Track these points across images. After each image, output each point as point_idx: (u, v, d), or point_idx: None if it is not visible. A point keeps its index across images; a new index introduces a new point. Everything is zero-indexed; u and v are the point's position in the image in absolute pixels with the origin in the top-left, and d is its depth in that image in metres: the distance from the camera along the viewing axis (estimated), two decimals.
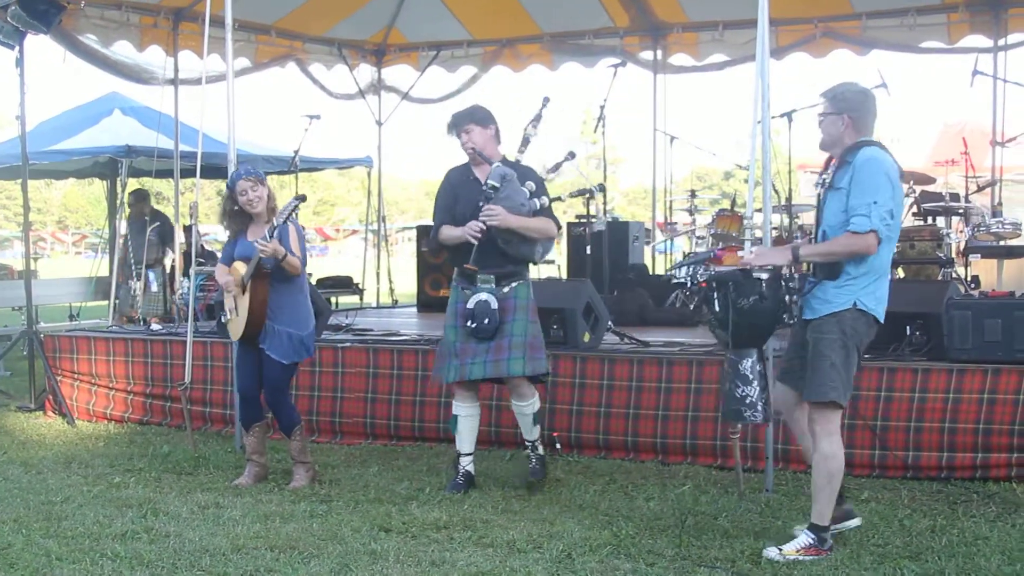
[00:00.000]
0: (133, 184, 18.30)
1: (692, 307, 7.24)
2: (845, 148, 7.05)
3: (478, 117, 8.81)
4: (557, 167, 9.53)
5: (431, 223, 9.24)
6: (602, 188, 11.96)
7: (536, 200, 8.67)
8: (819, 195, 7.27)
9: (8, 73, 12.10)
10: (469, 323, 8.60)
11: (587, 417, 10.11)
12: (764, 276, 6.99)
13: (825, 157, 7.34)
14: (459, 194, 8.85)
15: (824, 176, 7.21)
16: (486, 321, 8.57)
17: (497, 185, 8.51)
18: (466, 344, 8.70)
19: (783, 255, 7.05)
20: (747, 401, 7.07)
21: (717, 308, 7.07)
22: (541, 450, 9.00)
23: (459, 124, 8.79)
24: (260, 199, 8.95)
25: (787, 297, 7.06)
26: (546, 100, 9.13)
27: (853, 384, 7.10)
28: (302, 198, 8.95)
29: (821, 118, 7.21)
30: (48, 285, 17.20)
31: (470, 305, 8.63)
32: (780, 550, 6.91)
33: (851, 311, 6.93)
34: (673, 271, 7.63)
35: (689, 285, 7.74)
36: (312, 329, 9.21)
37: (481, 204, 8.53)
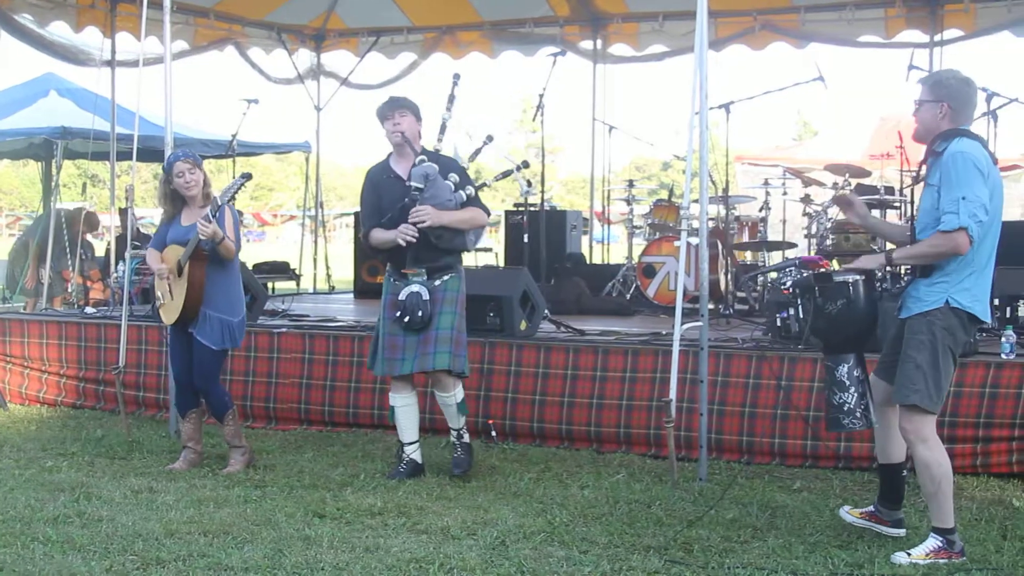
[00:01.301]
0: (68, 166, 18.17)
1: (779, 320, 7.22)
2: (935, 137, 6.83)
3: (414, 108, 8.81)
4: (477, 152, 9.55)
5: (360, 219, 9.23)
6: (526, 164, 11.97)
7: (462, 192, 8.66)
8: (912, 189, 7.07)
9: None
10: (401, 315, 8.60)
11: (522, 405, 10.13)
12: (851, 279, 6.89)
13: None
14: (382, 193, 8.83)
15: (918, 171, 7.05)
16: (419, 314, 8.57)
17: (420, 186, 8.49)
18: (394, 337, 8.71)
19: (876, 260, 6.97)
20: (845, 408, 6.95)
21: (802, 315, 6.99)
22: (467, 438, 9.01)
23: (394, 107, 8.75)
24: (196, 183, 8.91)
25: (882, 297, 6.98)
26: (456, 77, 9.13)
27: (946, 388, 6.81)
28: (247, 176, 8.94)
29: (917, 105, 6.95)
30: None
31: (401, 297, 8.63)
32: (909, 554, 6.73)
33: (942, 309, 6.70)
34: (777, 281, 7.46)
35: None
36: (243, 316, 9.18)
37: (407, 203, 8.52)
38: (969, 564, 6.68)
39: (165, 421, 10.75)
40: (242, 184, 8.78)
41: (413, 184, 8.51)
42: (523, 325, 10.52)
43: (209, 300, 8.89)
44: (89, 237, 17.20)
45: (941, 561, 6.67)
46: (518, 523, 7.53)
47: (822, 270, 7.04)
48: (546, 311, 11.02)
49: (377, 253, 9.11)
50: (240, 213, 9.18)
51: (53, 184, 18.08)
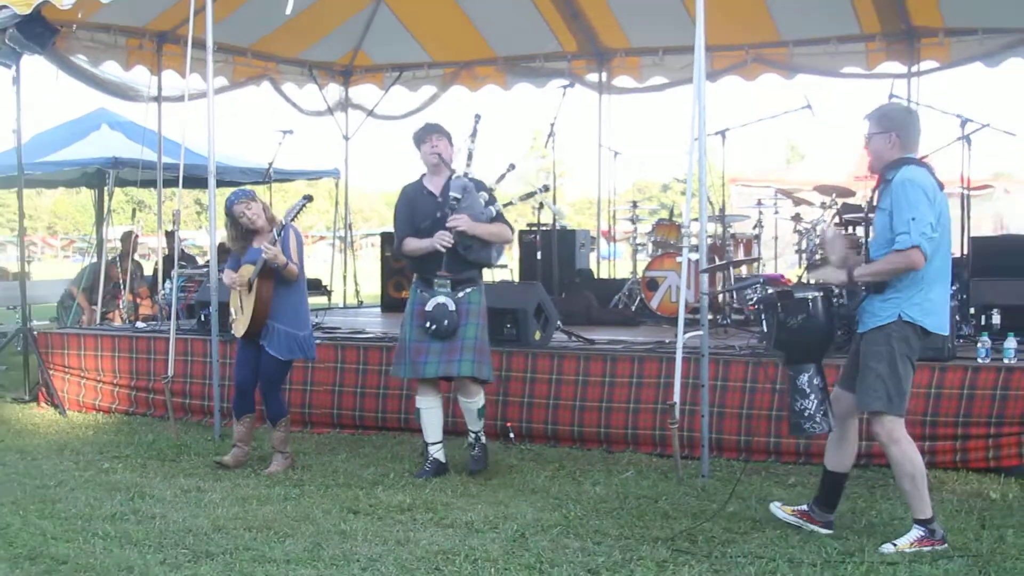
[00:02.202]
0: (119, 193, 18.21)
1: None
2: (885, 165, 6.90)
3: (447, 133, 8.91)
4: (502, 178, 9.58)
5: (393, 230, 9.26)
6: (546, 188, 11.97)
7: (491, 208, 8.73)
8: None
9: (5, 90, 12.04)
10: (428, 324, 8.64)
11: (537, 409, 10.14)
12: (811, 295, 6.93)
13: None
14: (416, 207, 8.88)
15: (871, 198, 7.09)
16: (445, 323, 8.61)
17: (459, 196, 8.57)
18: (420, 343, 8.75)
19: (839, 276, 6.94)
20: (806, 414, 6.96)
21: (766, 328, 7.05)
22: (484, 440, 9.04)
23: (432, 131, 8.87)
24: (258, 214, 9.00)
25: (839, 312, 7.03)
26: (478, 117, 9.16)
27: (907, 391, 6.86)
28: (309, 198, 8.98)
29: (868, 139, 6.99)
30: (40, 286, 17.07)
31: (428, 308, 8.66)
32: (895, 544, 6.76)
33: (896, 323, 6.76)
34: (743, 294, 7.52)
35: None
36: (310, 330, 9.24)
37: (447, 212, 8.59)
38: (951, 551, 6.68)
39: (210, 426, 10.77)
40: (304, 205, 8.85)
41: (452, 194, 8.60)
42: (537, 335, 10.53)
43: (276, 314, 8.95)
44: (137, 257, 17.24)
45: (925, 549, 6.69)
46: (536, 517, 7.55)
47: (784, 287, 7.11)
48: (558, 322, 11.02)
49: (408, 260, 9.14)
50: (303, 236, 9.23)
51: (105, 210, 18.14)
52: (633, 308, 14.08)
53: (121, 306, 15.39)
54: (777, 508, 7.36)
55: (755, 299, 7.12)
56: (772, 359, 9.41)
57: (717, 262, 13.34)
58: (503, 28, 16.55)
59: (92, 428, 11.20)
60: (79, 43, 13.91)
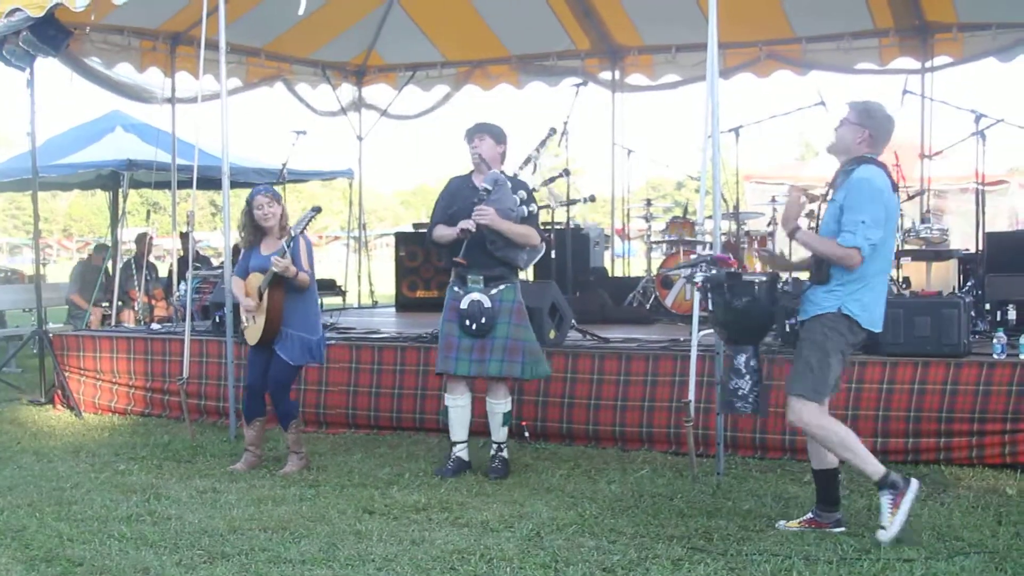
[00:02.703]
0: (133, 195, 18.25)
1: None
2: (848, 159, 7.00)
3: (495, 132, 8.90)
4: (551, 180, 9.56)
5: (408, 230, 9.29)
6: (567, 172, 11.89)
7: (524, 207, 8.73)
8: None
9: (19, 93, 12.11)
10: (467, 322, 8.66)
11: (552, 407, 10.14)
12: (757, 280, 7.05)
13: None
14: (456, 199, 8.91)
15: (828, 189, 7.18)
16: (483, 320, 8.64)
17: (490, 188, 8.59)
18: (450, 337, 8.79)
19: (788, 225, 7.06)
20: (739, 393, 7.08)
21: (711, 307, 7.11)
22: (506, 453, 9.01)
23: (477, 131, 8.88)
24: (273, 215, 9.01)
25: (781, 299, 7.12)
26: (552, 131, 9.19)
27: (832, 382, 6.98)
28: (317, 209, 9.01)
29: (840, 123, 7.08)
30: (56, 288, 17.10)
31: (464, 305, 8.69)
32: (884, 527, 6.78)
33: (834, 315, 6.86)
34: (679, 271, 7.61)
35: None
36: (321, 335, 9.25)
37: (475, 201, 8.60)
38: (967, 548, 6.67)
39: (225, 427, 10.79)
40: (312, 217, 8.87)
41: (484, 185, 8.62)
42: (552, 334, 10.52)
43: (288, 320, 8.96)
44: (152, 259, 17.28)
45: (904, 507, 6.73)
46: (551, 516, 7.54)
47: (732, 269, 7.19)
48: (573, 321, 11.02)
49: (437, 248, 9.15)
50: (312, 244, 9.25)
51: (120, 212, 18.18)
52: (647, 306, 14.06)
53: (135, 308, 15.43)
54: (784, 525, 7.26)
55: (703, 278, 7.17)
56: (787, 357, 9.41)
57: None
58: (516, 27, 16.56)
59: (108, 430, 11.22)
60: (92, 45, 13.96)
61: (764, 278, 7.11)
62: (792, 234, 7.02)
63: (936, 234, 13.24)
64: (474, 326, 8.66)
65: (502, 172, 8.85)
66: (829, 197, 7.08)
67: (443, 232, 8.84)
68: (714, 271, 7.19)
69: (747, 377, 7.09)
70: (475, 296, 8.70)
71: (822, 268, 6.92)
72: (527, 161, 9.04)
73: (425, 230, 9.36)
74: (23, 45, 11.69)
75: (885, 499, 6.81)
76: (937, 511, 7.52)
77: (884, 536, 6.74)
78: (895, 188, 7.02)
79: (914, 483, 6.83)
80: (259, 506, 7.91)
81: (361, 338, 11.63)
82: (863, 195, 6.78)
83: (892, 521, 6.73)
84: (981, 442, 8.82)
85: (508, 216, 8.65)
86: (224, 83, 10.94)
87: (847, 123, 7.04)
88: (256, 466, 9.21)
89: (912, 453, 8.96)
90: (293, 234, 8.76)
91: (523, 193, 8.80)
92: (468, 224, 8.58)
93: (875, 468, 6.87)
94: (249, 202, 9.09)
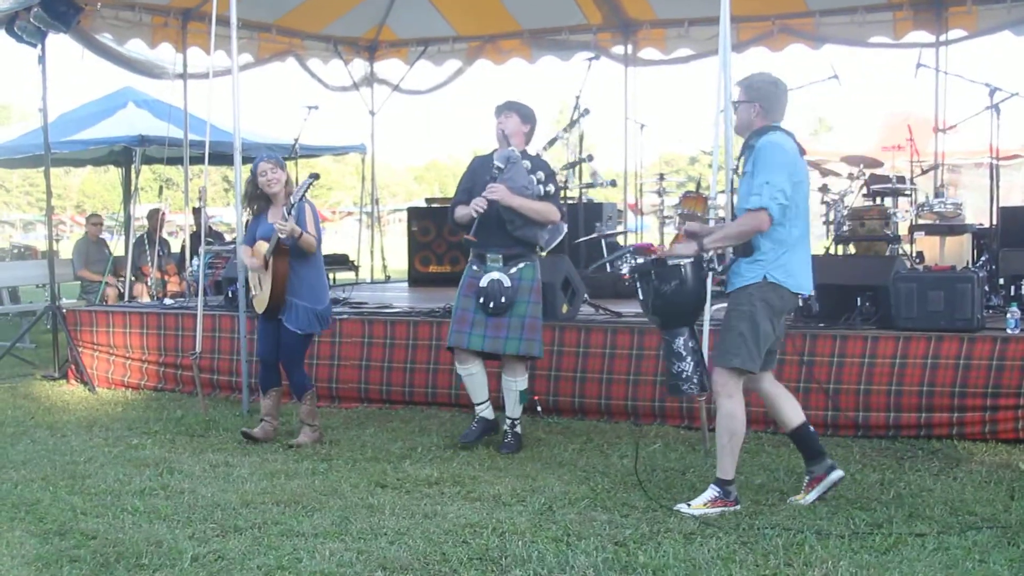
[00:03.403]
0: (146, 171, 18.26)
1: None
2: (751, 133, 7.11)
3: (523, 111, 8.87)
4: (572, 165, 9.50)
5: (421, 205, 9.29)
6: (590, 157, 11.84)
7: (542, 187, 8.70)
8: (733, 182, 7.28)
9: (31, 69, 12.09)
10: (484, 301, 8.66)
11: (565, 382, 10.14)
12: (684, 262, 7.02)
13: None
14: (477, 178, 8.88)
15: (737, 164, 7.28)
16: (502, 299, 8.64)
17: (501, 166, 8.58)
18: (465, 312, 8.78)
19: (689, 248, 7.06)
20: (684, 375, 7.12)
21: (642, 296, 7.11)
22: (519, 429, 9.01)
23: (506, 108, 8.87)
24: (277, 181, 9.03)
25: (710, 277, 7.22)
26: (585, 111, 9.16)
27: (763, 350, 7.06)
28: (315, 176, 9.04)
29: (736, 105, 7.23)
30: (69, 264, 17.12)
31: (483, 284, 8.68)
32: (689, 505, 6.95)
33: (761, 284, 6.96)
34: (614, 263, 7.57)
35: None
36: (328, 304, 9.26)
37: (487, 180, 8.60)
38: (980, 522, 6.67)
39: (238, 402, 10.82)
40: (310, 184, 8.86)
41: (496, 163, 8.61)
42: (565, 308, 10.52)
43: (294, 290, 8.98)
44: (165, 235, 17.29)
45: (716, 510, 6.90)
46: (563, 490, 7.55)
47: (654, 256, 7.19)
48: (586, 295, 11.01)
49: (460, 228, 9.10)
50: (316, 210, 9.26)
51: (132, 188, 18.20)
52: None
53: (148, 283, 15.46)
54: (796, 500, 7.27)
55: (627, 270, 7.18)
56: (799, 331, 9.41)
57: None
58: (528, 1, 16.52)
59: (121, 404, 11.25)
60: (104, 21, 13.97)
61: (690, 259, 7.06)
62: (702, 248, 7.01)
63: (950, 208, 13.22)
64: (492, 304, 8.65)
65: (524, 151, 8.83)
66: (739, 173, 7.21)
67: (462, 212, 8.84)
68: (640, 260, 7.21)
69: (688, 359, 7.12)
70: (495, 275, 8.69)
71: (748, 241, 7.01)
72: (551, 142, 9.01)
73: (437, 205, 9.35)
74: (34, 21, 11.70)
75: (713, 491, 7.03)
76: (950, 486, 7.51)
77: (683, 509, 6.94)
78: (802, 152, 7.16)
79: (738, 506, 7.02)
80: (272, 480, 7.92)
81: (374, 312, 11.64)
82: (766, 158, 6.90)
83: (696, 510, 6.91)
84: (994, 417, 8.81)
85: (522, 193, 8.63)
86: (236, 58, 10.93)
87: (740, 103, 7.17)
88: (271, 436, 9.24)
89: (925, 428, 8.94)
90: (293, 201, 8.75)
91: (541, 173, 8.75)
92: (479, 202, 8.58)
93: (732, 469, 7.08)
94: (253, 171, 9.10)
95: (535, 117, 8.95)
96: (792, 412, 7.34)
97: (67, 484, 7.88)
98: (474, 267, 8.85)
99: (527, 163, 8.73)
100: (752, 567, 5.93)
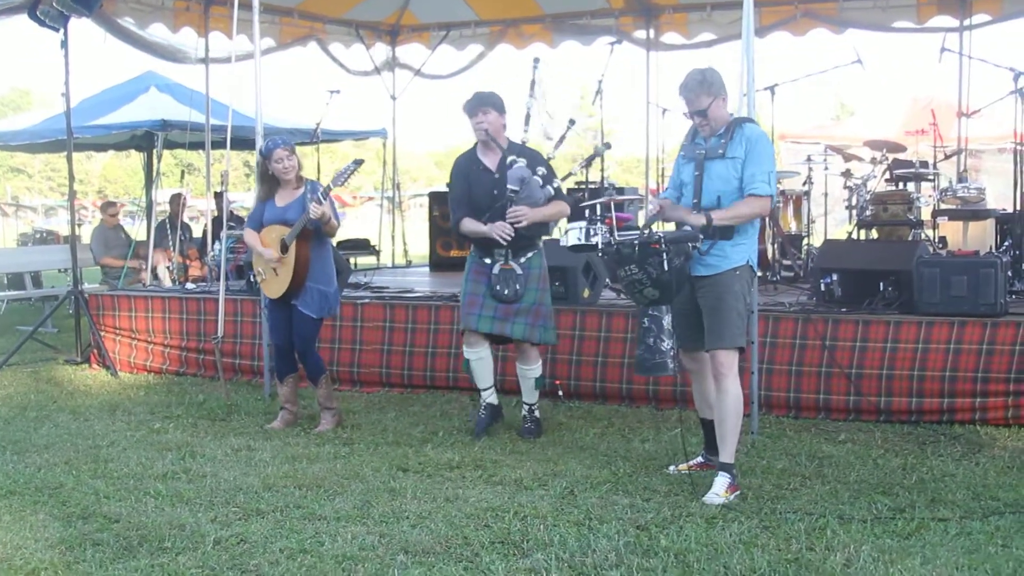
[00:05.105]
0: (167, 156, 18.30)
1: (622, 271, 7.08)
2: (728, 122, 7.20)
3: (496, 103, 8.72)
4: (562, 139, 9.36)
5: (442, 190, 9.22)
6: (608, 145, 11.80)
7: (549, 187, 8.65)
8: (697, 162, 7.21)
9: (53, 54, 12.10)
10: (499, 288, 8.63)
11: (586, 366, 10.15)
12: (688, 237, 7.03)
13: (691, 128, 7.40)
14: (471, 183, 8.76)
15: (700, 148, 7.25)
16: (516, 287, 8.61)
17: (517, 188, 8.53)
18: (475, 296, 8.74)
19: (698, 219, 7.05)
20: (672, 354, 7.11)
21: (665, 267, 6.94)
22: (537, 414, 9.01)
23: (479, 104, 8.67)
24: (293, 168, 9.03)
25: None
26: (536, 61, 9.05)
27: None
28: (360, 161, 8.92)
29: (707, 110, 7.16)
30: (89, 250, 17.16)
31: (495, 271, 8.65)
32: (717, 494, 6.92)
33: (745, 267, 7.13)
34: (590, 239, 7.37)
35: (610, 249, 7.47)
36: (336, 287, 9.25)
37: (507, 195, 8.53)
38: (1003, 508, 6.65)
39: (260, 386, 10.85)
40: (354, 169, 8.76)
41: (510, 187, 8.53)
42: (586, 293, 10.52)
43: (309, 273, 8.97)
44: (187, 219, 17.33)
45: (734, 496, 6.94)
46: (585, 474, 7.56)
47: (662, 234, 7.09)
48: (607, 280, 11.00)
49: (466, 239, 9.06)
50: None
51: (154, 173, 18.24)
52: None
53: (170, 267, 15.51)
54: (674, 470, 7.60)
55: (657, 238, 7.05)
56: (821, 315, 9.39)
57: (767, 220, 13.23)
58: None
59: (143, 389, 11.29)
60: (126, 5, 13.97)
61: (693, 237, 7.06)
62: (710, 221, 7.00)
63: (973, 193, 13.16)
64: (506, 291, 8.62)
65: (512, 144, 8.76)
66: (711, 154, 7.18)
67: (473, 228, 8.67)
68: (638, 233, 7.14)
69: (673, 337, 7.13)
70: (507, 265, 8.66)
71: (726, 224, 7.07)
72: (527, 119, 8.90)
73: (442, 201, 9.23)
74: (57, 6, 11.72)
75: (725, 479, 7.01)
76: (972, 471, 7.50)
77: (717, 500, 6.88)
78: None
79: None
80: (293, 464, 7.95)
81: (395, 297, 11.65)
82: (765, 149, 7.12)
83: (726, 496, 6.91)
84: (1017, 402, 8.77)
85: (538, 204, 8.58)
86: (258, 43, 10.95)
87: (711, 105, 7.15)
88: (292, 424, 9.27)
89: (947, 413, 8.92)
90: (333, 186, 8.73)
91: (542, 169, 8.68)
92: (506, 230, 8.48)
93: (733, 453, 7.11)
94: (266, 156, 9.04)
95: (504, 103, 8.82)
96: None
97: (90, 468, 7.92)
98: (485, 260, 8.76)
99: (524, 161, 8.66)
100: (774, 551, 5.93)
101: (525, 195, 8.54)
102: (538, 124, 8.98)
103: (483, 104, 8.67)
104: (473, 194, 8.72)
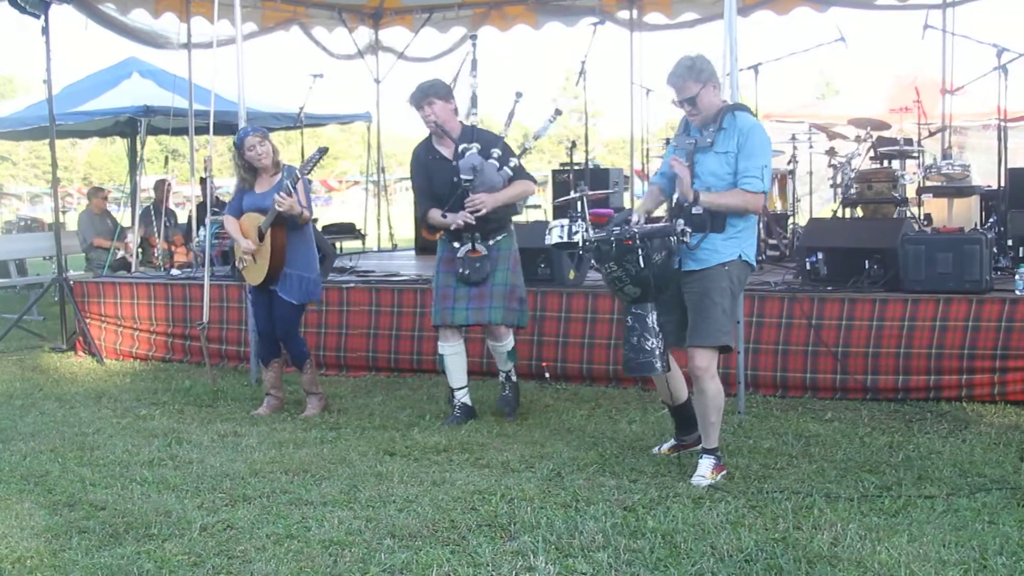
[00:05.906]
0: (151, 142, 18.24)
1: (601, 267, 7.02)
2: (718, 111, 6.97)
3: (439, 91, 8.54)
4: (511, 116, 9.23)
5: (414, 197, 9.13)
6: (558, 112, 11.74)
7: (507, 168, 8.53)
8: (689, 152, 7.07)
9: (34, 41, 12.08)
10: (462, 271, 8.57)
11: (573, 348, 10.14)
12: (674, 231, 6.84)
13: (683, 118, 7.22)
14: (431, 175, 8.67)
15: (690, 140, 7.07)
16: (477, 266, 8.52)
17: (470, 178, 8.39)
18: (447, 288, 8.67)
19: (689, 194, 6.88)
20: (657, 352, 6.93)
21: (642, 264, 6.80)
22: (515, 378, 9.01)
23: (423, 97, 8.49)
24: (267, 154, 8.97)
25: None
26: (473, 38, 8.96)
27: (732, 321, 7.13)
28: (324, 150, 8.88)
29: (696, 98, 6.93)
30: (76, 236, 17.12)
31: (460, 254, 8.59)
32: (704, 476, 6.88)
33: (736, 262, 6.93)
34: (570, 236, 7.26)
35: (591, 246, 7.36)
36: (318, 273, 9.23)
37: (460, 193, 8.42)
38: (989, 484, 6.66)
39: (246, 371, 10.84)
40: (319, 158, 8.72)
41: (464, 177, 8.40)
42: (571, 274, 10.51)
43: (288, 260, 8.94)
44: (171, 205, 17.29)
45: (720, 476, 6.92)
46: (572, 456, 7.55)
47: (652, 228, 6.97)
48: (592, 261, 10.98)
49: (433, 229, 8.95)
50: (309, 181, 9.18)
51: (138, 159, 18.19)
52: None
53: (156, 254, 15.46)
54: (658, 451, 7.62)
55: (631, 234, 6.90)
56: (807, 294, 9.40)
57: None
58: None
59: (129, 375, 11.26)
60: None
61: (676, 231, 6.86)
62: (696, 201, 6.87)
63: (958, 170, 13.17)
64: (470, 274, 8.53)
65: (465, 127, 8.66)
66: (700, 146, 7.01)
67: (439, 220, 8.57)
68: (617, 230, 7.01)
69: (660, 336, 6.96)
70: (471, 245, 8.60)
71: (717, 217, 6.89)
72: (473, 101, 8.76)
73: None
74: None
75: (711, 460, 6.99)
76: (959, 448, 7.51)
77: (704, 482, 6.84)
78: None
79: (726, 469, 7.07)
80: (280, 449, 7.94)
81: (381, 281, 11.63)
82: (760, 141, 6.89)
83: (713, 477, 6.87)
84: (1003, 379, 8.79)
85: (496, 187, 8.48)
86: (239, 27, 10.90)
87: (700, 92, 6.92)
88: (278, 409, 9.26)
89: (934, 390, 8.93)
90: (299, 176, 8.69)
91: (497, 151, 8.53)
92: (468, 219, 8.38)
93: (717, 439, 7.08)
94: (239, 145, 9.01)
95: (450, 89, 8.66)
96: (682, 388, 7.47)
97: (76, 455, 7.89)
98: (455, 243, 8.67)
99: (477, 146, 8.50)
100: (761, 530, 5.93)
101: (480, 182, 8.42)
102: (513, 102, 8.83)
103: (426, 96, 8.50)
104: (434, 184, 8.64)
